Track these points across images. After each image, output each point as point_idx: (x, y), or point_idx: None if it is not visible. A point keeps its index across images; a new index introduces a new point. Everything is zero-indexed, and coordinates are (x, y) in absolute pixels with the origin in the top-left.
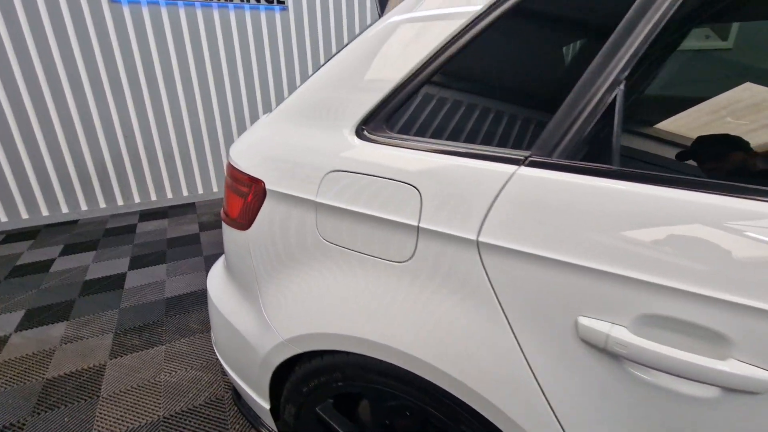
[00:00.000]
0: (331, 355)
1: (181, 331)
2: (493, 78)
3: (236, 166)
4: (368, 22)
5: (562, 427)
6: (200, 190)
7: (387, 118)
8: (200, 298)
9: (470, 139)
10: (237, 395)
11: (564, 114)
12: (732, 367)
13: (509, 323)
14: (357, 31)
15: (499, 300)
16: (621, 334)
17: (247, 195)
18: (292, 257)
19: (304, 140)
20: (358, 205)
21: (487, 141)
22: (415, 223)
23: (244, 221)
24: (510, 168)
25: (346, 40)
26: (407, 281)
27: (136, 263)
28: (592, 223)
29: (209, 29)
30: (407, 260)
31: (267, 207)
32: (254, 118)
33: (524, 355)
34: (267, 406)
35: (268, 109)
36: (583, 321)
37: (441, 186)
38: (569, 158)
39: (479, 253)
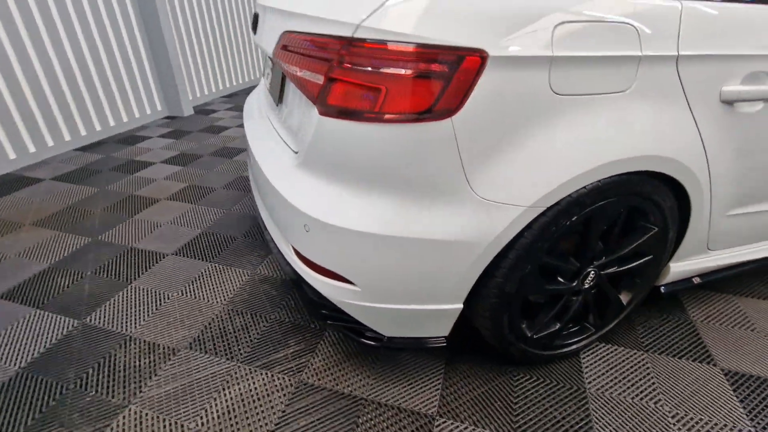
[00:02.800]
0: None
1: None
2: None
3: (424, 42)
4: None
5: (708, 163)
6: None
7: None
8: None
9: None
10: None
11: None
12: None
13: (691, 110)
14: None
15: (687, 96)
16: (739, 88)
17: (450, 73)
18: (520, 125)
19: None
20: (592, 49)
21: None
22: (639, 53)
23: (448, 106)
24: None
25: None
26: (634, 103)
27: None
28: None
29: None
30: (630, 88)
31: (486, 78)
32: None
33: (697, 125)
34: (459, 306)
35: None
36: (723, 88)
37: (649, 21)
38: None
39: (677, 65)
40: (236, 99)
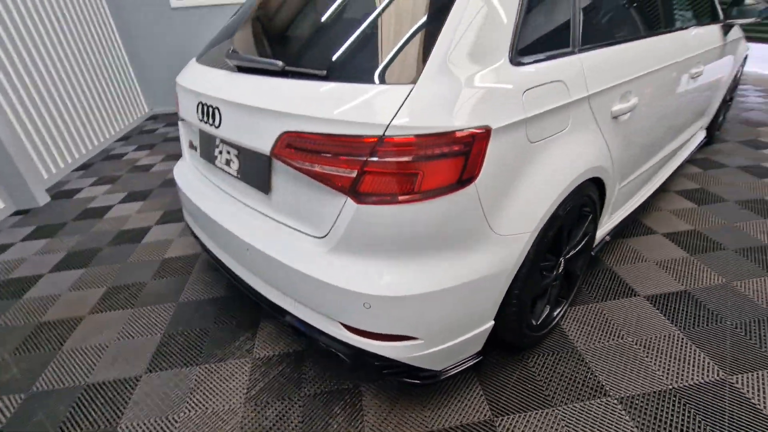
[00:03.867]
0: (571, 196)
1: None
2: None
3: (447, 129)
4: None
5: (611, 160)
6: None
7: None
8: None
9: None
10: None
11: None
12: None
13: (600, 129)
14: None
15: (596, 120)
16: (619, 106)
17: (468, 150)
18: (515, 172)
19: (493, 78)
20: (547, 105)
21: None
22: (569, 100)
23: (471, 174)
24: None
25: None
26: (573, 135)
27: None
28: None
29: None
30: (569, 126)
31: (492, 146)
32: None
33: (604, 138)
34: (491, 323)
35: None
36: (612, 108)
37: (570, 75)
38: (587, 46)
39: (589, 101)
40: (96, 170)
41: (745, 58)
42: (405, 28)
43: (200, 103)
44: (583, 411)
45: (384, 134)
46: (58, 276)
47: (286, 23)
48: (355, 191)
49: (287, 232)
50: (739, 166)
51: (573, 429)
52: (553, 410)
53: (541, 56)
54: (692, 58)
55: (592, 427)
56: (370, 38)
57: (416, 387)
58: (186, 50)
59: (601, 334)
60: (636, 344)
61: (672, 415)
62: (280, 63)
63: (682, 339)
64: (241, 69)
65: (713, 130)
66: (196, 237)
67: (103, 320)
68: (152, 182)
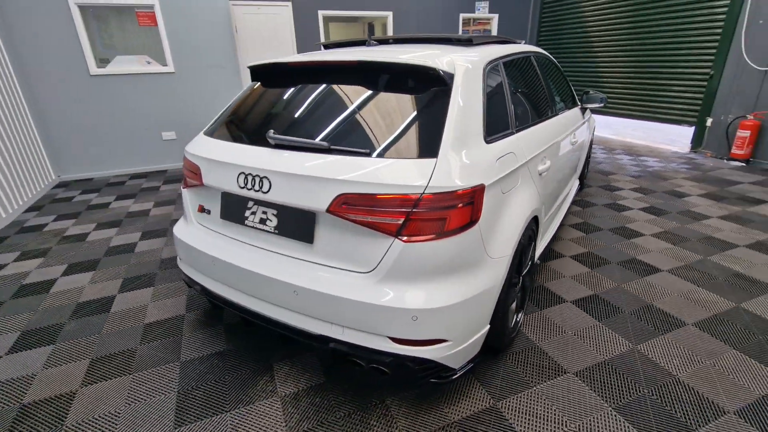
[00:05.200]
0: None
1: None
2: None
3: (461, 188)
4: None
5: (541, 201)
6: None
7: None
8: None
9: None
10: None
11: None
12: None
13: (534, 182)
14: None
15: (531, 177)
16: (540, 166)
17: (472, 202)
18: (497, 214)
19: (479, 152)
20: (509, 168)
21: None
22: (518, 164)
23: (476, 218)
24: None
25: None
26: (521, 188)
27: None
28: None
29: None
30: (519, 182)
31: (486, 197)
32: None
33: (536, 187)
34: (488, 326)
35: None
36: (538, 168)
37: (515, 148)
38: (519, 127)
39: (527, 165)
40: (15, 244)
41: (594, 128)
42: (421, 120)
43: (242, 173)
44: (553, 386)
45: (423, 192)
46: (22, 356)
47: (326, 110)
48: (401, 234)
49: (332, 272)
50: (603, 204)
51: (549, 400)
52: (534, 389)
53: (499, 136)
54: (571, 131)
55: (562, 395)
56: (395, 125)
57: (440, 385)
58: (103, 117)
59: (550, 332)
60: (574, 335)
61: (606, 377)
62: (326, 144)
63: (601, 327)
64: (280, 146)
65: (583, 179)
66: (206, 290)
67: (102, 390)
68: (95, 252)
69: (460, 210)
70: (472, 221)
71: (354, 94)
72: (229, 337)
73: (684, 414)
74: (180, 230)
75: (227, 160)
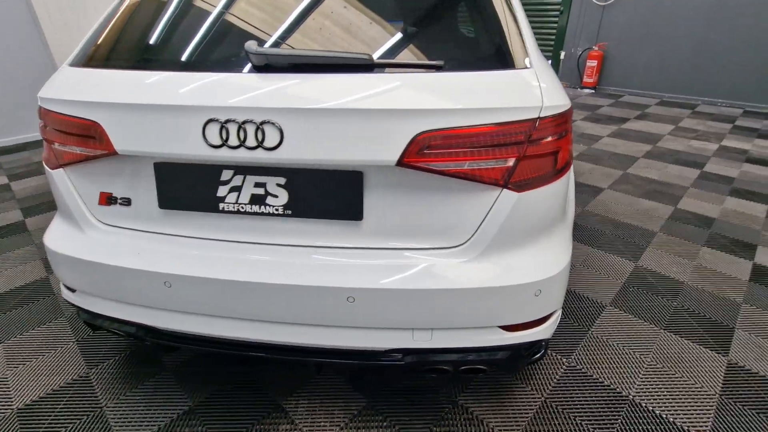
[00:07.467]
0: None
1: None
2: None
3: (567, 107)
4: None
5: None
6: None
7: None
8: None
9: None
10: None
11: None
12: None
13: None
14: None
15: None
16: None
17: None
18: None
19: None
20: None
21: None
22: None
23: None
24: None
25: None
26: None
27: None
28: None
29: None
30: None
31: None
32: None
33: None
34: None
35: None
36: None
37: None
38: None
39: None
40: None
41: None
42: (492, 13)
43: (214, 120)
44: (603, 324)
45: (539, 116)
46: None
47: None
48: (511, 180)
49: (403, 257)
50: None
51: (610, 338)
52: (589, 334)
53: None
54: None
55: (616, 330)
56: (462, 21)
57: (535, 363)
58: None
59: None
60: (582, 266)
61: (636, 300)
62: (366, 56)
63: (598, 252)
64: (274, 68)
65: None
66: (151, 332)
67: None
68: None
69: (568, 138)
70: (559, 168)
71: None
72: (183, 383)
73: (717, 315)
74: (63, 241)
75: (178, 101)
